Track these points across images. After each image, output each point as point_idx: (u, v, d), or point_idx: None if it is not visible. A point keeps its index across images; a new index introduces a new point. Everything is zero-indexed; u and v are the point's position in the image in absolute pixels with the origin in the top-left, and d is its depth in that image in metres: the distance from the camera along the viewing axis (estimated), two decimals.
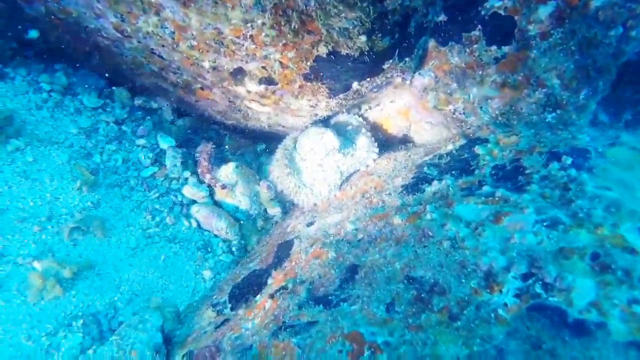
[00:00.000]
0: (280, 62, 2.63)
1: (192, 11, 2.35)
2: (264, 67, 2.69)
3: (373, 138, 3.33)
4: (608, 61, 2.59)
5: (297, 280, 2.38)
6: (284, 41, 2.47)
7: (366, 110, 3.55)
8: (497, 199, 2.16)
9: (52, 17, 2.89)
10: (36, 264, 2.66)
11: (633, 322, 1.52)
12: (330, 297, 2.14)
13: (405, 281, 1.99)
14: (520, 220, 1.95)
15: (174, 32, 2.56)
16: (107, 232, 2.99)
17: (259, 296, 2.54)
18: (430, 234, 2.14)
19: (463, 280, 1.85)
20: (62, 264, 2.69)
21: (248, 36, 2.44)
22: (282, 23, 2.33)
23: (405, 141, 3.50)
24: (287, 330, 2.05)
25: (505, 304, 1.70)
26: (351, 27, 2.40)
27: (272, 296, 2.41)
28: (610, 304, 1.54)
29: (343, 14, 2.30)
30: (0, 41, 3.39)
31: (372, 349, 1.75)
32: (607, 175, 2.05)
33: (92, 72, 3.51)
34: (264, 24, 2.33)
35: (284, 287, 2.40)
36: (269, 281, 2.63)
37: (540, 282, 1.70)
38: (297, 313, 2.14)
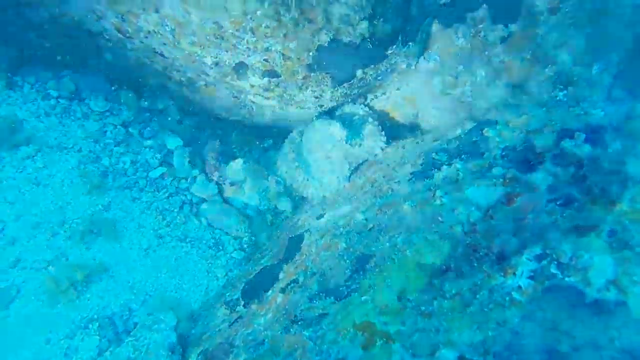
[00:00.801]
0: (282, 54, 2.60)
1: (190, 5, 2.34)
2: (266, 60, 2.67)
3: (380, 127, 3.28)
4: (622, 31, 2.49)
5: (308, 272, 2.35)
6: (284, 31, 2.44)
7: (372, 99, 3.49)
8: (508, 180, 2.10)
9: (56, 22, 2.91)
10: (51, 269, 2.69)
11: None
12: (341, 288, 2.11)
13: (416, 269, 1.94)
14: (532, 200, 1.88)
15: (174, 30, 2.56)
16: (118, 234, 3.00)
17: (270, 291, 2.52)
18: (441, 219, 2.09)
19: (475, 265, 1.80)
20: (76, 268, 2.72)
21: (248, 28, 2.42)
22: (282, 12, 2.30)
23: (412, 129, 3.43)
24: (299, 323, 2.03)
25: (520, 287, 1.64)
26: (352, 13, 2.36)
27: (283, 290, 2.39)
28: (630, 281, 1.47)
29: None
30: (10, 50, 3.44)
31: (385, 339, 1.71)
32: (624, 150, 1.96)
33: (98, 76, 3.54)
34: (263, 14, 2.31)
35: (295, 281, 2.37)
36: (281, 275, 2.61)
37: (556, 263, 1.64)
38: (308, 306, 2.12)
